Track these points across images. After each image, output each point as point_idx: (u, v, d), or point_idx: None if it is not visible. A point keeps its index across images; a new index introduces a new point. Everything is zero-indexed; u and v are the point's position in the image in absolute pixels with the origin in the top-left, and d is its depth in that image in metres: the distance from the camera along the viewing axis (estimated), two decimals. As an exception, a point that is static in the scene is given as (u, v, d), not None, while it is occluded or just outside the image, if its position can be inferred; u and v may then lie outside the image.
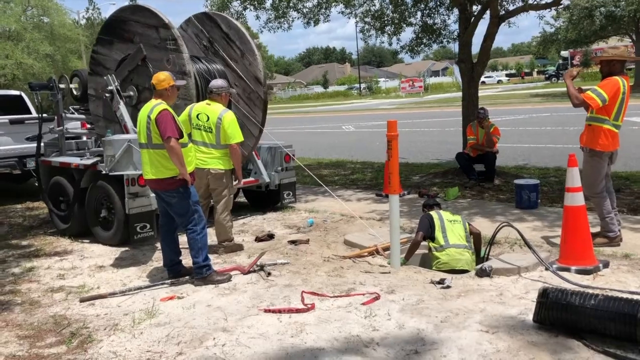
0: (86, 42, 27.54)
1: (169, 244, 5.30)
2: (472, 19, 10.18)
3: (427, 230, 5.63)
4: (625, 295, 3.82)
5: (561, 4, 10.77)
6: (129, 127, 6.89)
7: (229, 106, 6.49)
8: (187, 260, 5.47)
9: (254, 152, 8.02)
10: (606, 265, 5.06)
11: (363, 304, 4.44)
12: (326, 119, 33.06)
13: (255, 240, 6.68)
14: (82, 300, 4.92)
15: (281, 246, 6.35)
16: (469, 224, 5.83)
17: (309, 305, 4.42)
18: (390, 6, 12.44)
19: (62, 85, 8.17)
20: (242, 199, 9.03)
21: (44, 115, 8.49)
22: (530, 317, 3.95)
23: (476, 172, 9.49)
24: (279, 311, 4.38)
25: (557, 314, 3.72)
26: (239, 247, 6.30)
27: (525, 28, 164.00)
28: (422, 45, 13.09)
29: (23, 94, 11.77)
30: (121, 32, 7.44)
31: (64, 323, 4.43)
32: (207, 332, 4.07)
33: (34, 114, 10.78)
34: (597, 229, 5.86)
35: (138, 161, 5.70)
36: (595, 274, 4.90)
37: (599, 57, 5.68)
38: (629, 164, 10.39)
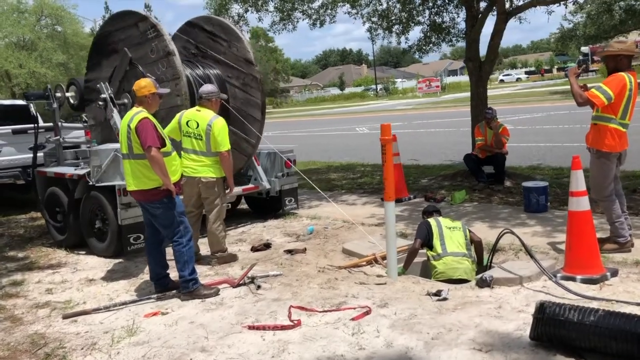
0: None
1: (155, 256, 5.13)
2: (479, 16, 9.88)
3: (425, 238, 5.38)
4: (630, 309, 3.54)
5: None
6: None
7: (225, 107, 6.34)
8: (175, 273, 5.28)
9: (253, 158, 7.84)
10: (614, 273, 4.75)
11: (352, 319, 4.20)
12: (341, 121, 32.83)
13: (252, 250, 6.47)
14: (64, 317, 4.76)
15: (277, 256, 6.14)
16: (470, 231, 5.57)
17: (295, 322, 4.19)
18: (397, 5, 12.17)
19: (58, 94, 8.07)
20: (244, 205, 8.85)
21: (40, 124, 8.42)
22: (527, 332, 3.68)
23: (485, 174, 9.19)
24: (263, 328, 4.17)
25: (554, 331, 3.44)
26: (232, 258, 6.10)
27: (544, 24, 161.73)
28: (431, 45, 12.79)
29: (31, 104, 11.76)
30: (106, 48, 7.49)
31: (41, 343, 4.27)
32: (184, 352, 3.87)
33: (41, 124, 10.74)
34: (608, 234, 5.54)
35: (126, 171, 5.54)
36: (602, 284, 4.60)
37: (604, 51, 5.35)
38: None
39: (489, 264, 5.53)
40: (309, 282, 5.17)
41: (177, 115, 6.06)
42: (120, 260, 6.46)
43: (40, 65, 23.66)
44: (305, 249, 6.27)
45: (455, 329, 3.93)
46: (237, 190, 7.47)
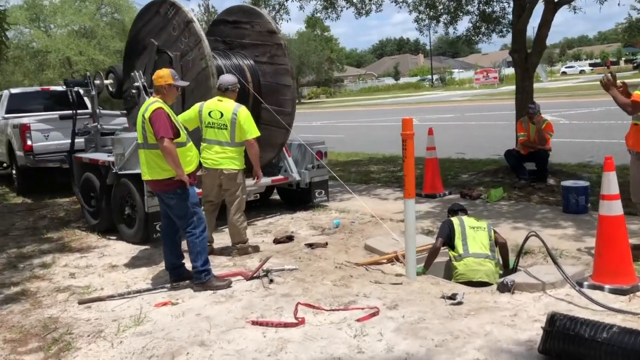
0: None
1: (169, 246, 5.13)
2: (527, 6, 9.41)
3: (447, 237, 5.18)
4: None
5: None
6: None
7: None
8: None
9: (284, 149, 7.78)
10: (647, 284, 4.41)
11: (358, 320, 4.07)
12: (393, 111, 32.35)
13: (274, 242, 6.42)
14: (80, 303, 4.85)
15: (297, 249, 6.06)
16: (495, 232, 5.31)
17: (299, 320, 4.10)
18: (445, -7, 11.77)
19: (97, 82, 8.23)
20: (276, 196, 8.80)
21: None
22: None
23: (527, 171, 8.80)
24: (267, 324, 4.10)
25: (563, 346, 3.21)
26: (253, 249, 6.06)
27: (613, 14, 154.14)
28: (481, 35, 12.34)
29: (80, 90, 12.09)
30: (137, 46, 7.73)
31: (52, 327, 4.34)
32: (183, 345, 3.84)
33: (89, 109, 11.02)
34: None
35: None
36: (632, 295, 4.28)
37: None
38: None
39: (515, 267, 5.26)
40: (323, 278, 5.06)
41: (197, 106, 5.99)
42: (147, 247, 6.53)
43: (99, 53, 24.39)
44: (327, 243, 6.16)
45: (462, 336, 3.73)
46: (266, 180, 7.43)
